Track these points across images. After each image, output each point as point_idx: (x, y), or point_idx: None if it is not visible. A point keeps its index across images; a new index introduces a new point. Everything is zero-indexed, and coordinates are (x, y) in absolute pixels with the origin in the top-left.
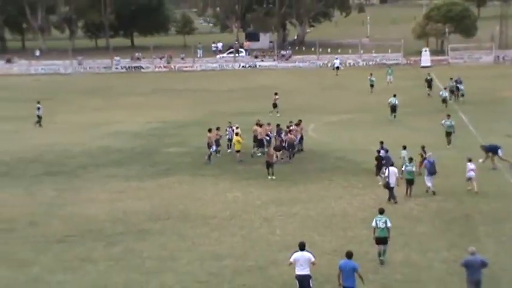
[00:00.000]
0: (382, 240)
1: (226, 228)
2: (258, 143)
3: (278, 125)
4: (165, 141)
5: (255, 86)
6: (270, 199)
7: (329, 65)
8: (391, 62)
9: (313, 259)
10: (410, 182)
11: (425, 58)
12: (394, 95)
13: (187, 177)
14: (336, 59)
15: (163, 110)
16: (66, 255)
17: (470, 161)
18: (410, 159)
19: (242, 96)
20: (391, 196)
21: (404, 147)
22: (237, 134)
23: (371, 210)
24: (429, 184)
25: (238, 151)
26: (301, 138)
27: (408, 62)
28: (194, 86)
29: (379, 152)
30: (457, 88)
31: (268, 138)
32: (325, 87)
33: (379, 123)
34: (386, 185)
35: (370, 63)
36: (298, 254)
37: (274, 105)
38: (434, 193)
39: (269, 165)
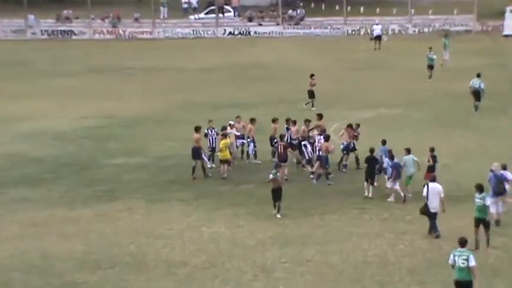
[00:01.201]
0: (464, 286)
1: (201, 281)
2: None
3: (288, 121)
4: (107, 147)
5: (249, 64)
6: (270, 237)
7: (362, 32)
8: (458, 28)
9: None
10: (481, 221)
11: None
12: (478, 75)
13: (141, 203)
14: (376, 24)
15: (106, 100)
16: None
17: (504, 168)
18: (481, 188)
19: (229, 78)
20: (432, 227)
21: None
22: (225, 136)
23: (424, 256)
24: (493, 210)
25: (225, 162)
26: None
27: (484, 28)
28: (154, 63)
29: (372, 152)
30: None
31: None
32: (356, 66)
33: (437, 122)
34: (426, 211)
35: (426, 29)
36: None
37: (311, 94)
38: (497, 223)
39: (277, 194)
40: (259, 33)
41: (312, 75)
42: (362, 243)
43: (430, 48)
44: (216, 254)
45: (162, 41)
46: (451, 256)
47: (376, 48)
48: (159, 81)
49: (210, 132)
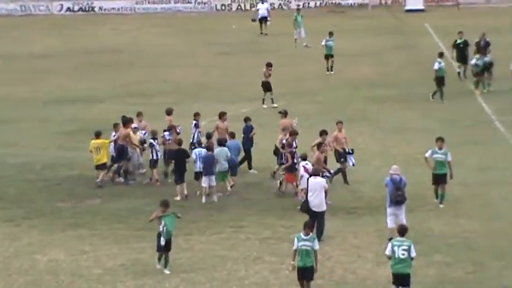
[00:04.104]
0: (400, 279)
1: None
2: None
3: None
4: None
5: (93, 48)
6: (122, 265)
7: (234, 7)
8: (352, 1)
9: None
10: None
11: None
12: (441, 54)
13: None
14: (261, 2)
15: None
16: None
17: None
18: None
19: (67, 66)
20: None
21: None
22: (97, 136)
23: (314, 283)
24: (391, 225)
25: (102, 166)
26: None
27: (383, 2)
28: None
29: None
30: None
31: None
32: (228, 50)
33: (329, 115)
34: (305, 208)
35: (312, 4)
36: None
37: (267, 87)
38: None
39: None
40: (105, 10)
41: (268, 65)
42: (238, 270)
43: (331, 33)
44: (54, 287)
45: None
46: (389, 246)
47: (262, 33)
48: None
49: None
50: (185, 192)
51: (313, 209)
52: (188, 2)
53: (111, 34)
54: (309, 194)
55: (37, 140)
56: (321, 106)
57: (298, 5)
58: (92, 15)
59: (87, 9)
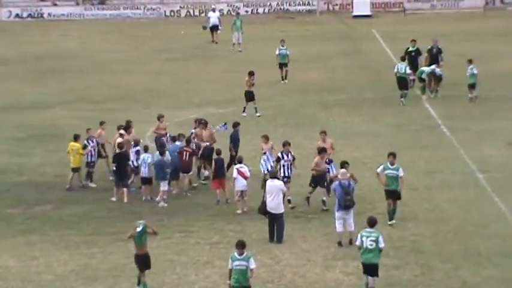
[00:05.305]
0: (369, 269)
1: None
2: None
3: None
4: None
5: (42, 54)
6: (72, 271)
7: (183, 13)
8: (300, 8)
9: None
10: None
11: (362, 1)
12: (403, 59)
13: None
14: (212, 10)
15: None
16: None
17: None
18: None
19: (16, 72)
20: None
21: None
22: (76, 139)
23: (263, 287)
24: (340, 229)
25: (76, 169)
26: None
27: (330, 7)
28: None
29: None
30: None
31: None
32: (177, 56)
33: (279, 121)
34: (263, 210)
35: (261, 10)
36: None
37: (250, 96)
38: (350, 242)
39: (143, 262)
40: (54, 16)
41: (251, 73)
42: (188, 274)
43: (283, 41)
44: None
45: None
46: (359, 237)
47: (213, 41)
48: None
49: (90, 143)
50: (125, 198)
51: (271, 211)
52: (137, 9)
53: (61, 40)
54: (267, 196)
55: None
56: (271, 111)
57: (238, 11)
58: (41, 22)
59: (36, 15)
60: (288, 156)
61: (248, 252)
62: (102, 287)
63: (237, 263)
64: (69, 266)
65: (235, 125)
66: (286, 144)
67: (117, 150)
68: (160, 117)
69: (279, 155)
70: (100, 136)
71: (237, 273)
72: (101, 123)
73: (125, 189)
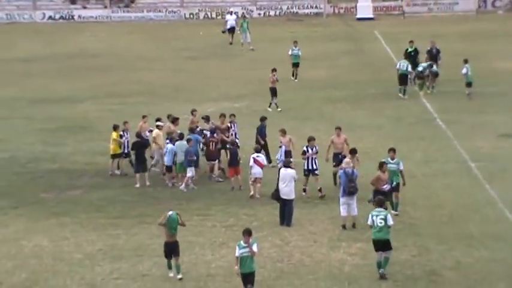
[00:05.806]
0: (382, 245)
1: None
2: None
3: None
4: None
5: (74, 53)
6: (100, 250)
7: (202, 15)
8: (308, 11)
9: None
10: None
11: (365, 5)
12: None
13: None
14: (230, 13)
15: None
16: None
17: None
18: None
19: (50, 70)
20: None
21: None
22: (114, 129)
23: (274, 266)
24: (344, 213)
25: (115, 156)
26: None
27: (336, 11)
28: None
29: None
30: (430, 66)
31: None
32: (195, 55)
33: (288, 114)
34: (276, 196)
35: (272, 13)
36: None
37: (273, 92)
38: (354, 226)
39: (172, 249)
40: (84, 18)
41: (273, 70)
42: (205, 254)
43: (296, 42)
44: (39, 270)
45: None
46: (370, 216)
47: (231, 43)
48: None
49: (125, 134)
50: (147, 182)
51: (283, 197)
52: (159, 11)
53: (90, 40)
54: (280, 183)
55: (22, 136)
56: (281, 106)
57: (244, 13)
58: (71, 23)
59: (67, 17)
60: (312, 149)
61: (254, 238)
62: (127, 265)
63: (243, 250)
64: (97, 245)
65: (263, 119)
66: (311, 139)
67: (135, 139)
68: (193, 111)
69: (304, 148)
70: (141, 128)
71: (243, 260)
72: (143, 117)
73: (145, 174)
